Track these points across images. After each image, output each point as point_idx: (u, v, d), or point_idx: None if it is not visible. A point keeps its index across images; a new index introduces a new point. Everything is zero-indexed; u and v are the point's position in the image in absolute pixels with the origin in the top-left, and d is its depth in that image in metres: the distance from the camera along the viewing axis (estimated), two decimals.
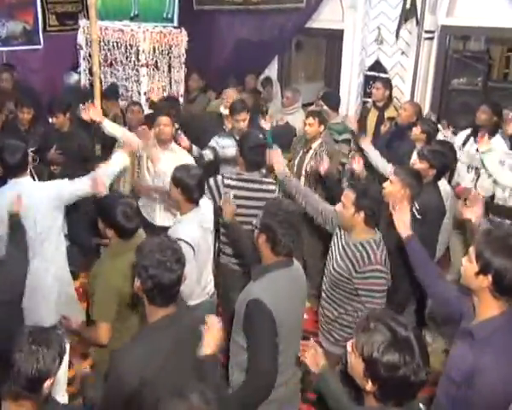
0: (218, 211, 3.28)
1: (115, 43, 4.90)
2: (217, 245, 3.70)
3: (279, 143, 4.31)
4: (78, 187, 3.20)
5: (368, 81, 6.15)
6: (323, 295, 2.96)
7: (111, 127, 3.98)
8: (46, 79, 6.20)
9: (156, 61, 4.92)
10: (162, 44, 4.91)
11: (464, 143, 4.65)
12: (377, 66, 6.09)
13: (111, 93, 5.14)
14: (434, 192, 3.49)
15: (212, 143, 4.37)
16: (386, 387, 1.54)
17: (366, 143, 4.30)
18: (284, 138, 4.81)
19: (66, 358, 2.82)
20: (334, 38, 6.71)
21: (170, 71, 5.15)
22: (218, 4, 7.04)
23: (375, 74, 6.02)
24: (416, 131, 4.16)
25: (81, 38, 5.03)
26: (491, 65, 6.48)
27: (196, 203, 2.97)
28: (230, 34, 7.06)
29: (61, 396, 3.00)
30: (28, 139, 4.22)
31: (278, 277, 2.31)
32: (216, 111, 5.23)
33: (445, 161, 3.55)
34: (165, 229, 3.10)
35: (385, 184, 3.22)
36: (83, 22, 5.13)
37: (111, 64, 5.02)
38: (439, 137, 4.51)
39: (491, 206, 4.19)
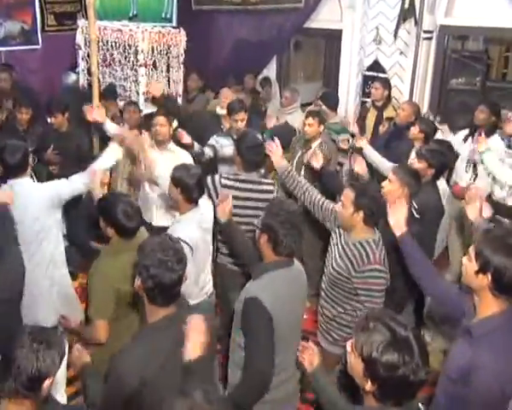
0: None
1: (114, 43, 4.88)
2: (215, 245, 3.69)
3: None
4: (75, 187, 3.20)
5: (366, 81, 6.14)
6: (322, 294, 2.96)
7: (112, 129, 3.96)
8: (44, 79, 6.20)
9: (155, 61, 4.91)
10: (161, 44, 4.90)
11: (464, 141, 4.66)
12: (376, 66, 6.08)
13: (109, 93, 5.12)
14: (433, 192, 3.49)
15: (212, 141, 4.36)
16: (385, 387, 1.54)
17: (364, 144, 4.30)
18: (284, 138, 4.80)
19: (65, 358, 2.81)
20: (333, 38, 6.70)
21: (168, 71, 5.14)
22: (217, 4, 7.04)
23: (374, 74, 6.00)
24: (415, 130, 4.16)
25: (79, 38, 5.01)
26: (489, 65, 6.49)
27: (195, 203, 2.97)
28: (229, 34, 7.06)
29: (60, 396, 2.99)
30: (26, 139, 4.21)
31: (277, 276, 2.31)
32: (214, 110, 5.23)
33: (443, 161, 3.55)
34: (164, 229, 3.08)
35: (384, 183, 3.23)
36: (81, 22, 5.11)
37: (109, 64, 5.00)
38: (438, 136, 4.51)
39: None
